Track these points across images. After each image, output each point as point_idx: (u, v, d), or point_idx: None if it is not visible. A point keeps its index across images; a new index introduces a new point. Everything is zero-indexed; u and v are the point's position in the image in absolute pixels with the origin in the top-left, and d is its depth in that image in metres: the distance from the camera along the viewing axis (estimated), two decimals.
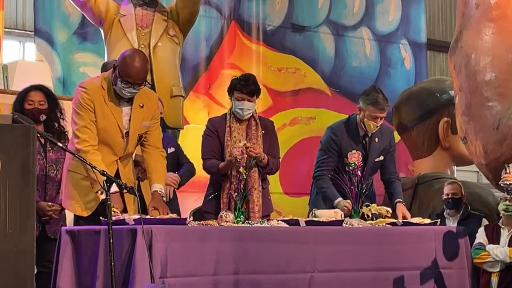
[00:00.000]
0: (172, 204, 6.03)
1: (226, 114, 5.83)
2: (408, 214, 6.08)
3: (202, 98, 8.88)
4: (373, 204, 5.90)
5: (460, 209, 6.82)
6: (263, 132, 5.78)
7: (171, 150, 6.34)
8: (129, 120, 5.14)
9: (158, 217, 4.87)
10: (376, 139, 6.25)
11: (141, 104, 5.17)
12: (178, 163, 6.34)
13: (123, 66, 5.00)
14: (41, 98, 5.76)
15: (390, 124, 9.35)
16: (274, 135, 5.90)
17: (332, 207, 5.96)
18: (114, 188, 4.77)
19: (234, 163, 5.47)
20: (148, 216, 4.85)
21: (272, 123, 5.99)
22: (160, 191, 5.13)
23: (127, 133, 5.14)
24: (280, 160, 5.96)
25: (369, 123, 6.11)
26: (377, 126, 6.14)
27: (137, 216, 4.70)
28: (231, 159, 5.49)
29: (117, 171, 5.11)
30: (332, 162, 6.20)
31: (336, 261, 5.16)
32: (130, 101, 5.14)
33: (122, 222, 4.64)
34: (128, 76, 4.98)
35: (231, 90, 5.76)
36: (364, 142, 6.24)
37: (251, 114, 5.74)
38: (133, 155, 5.41)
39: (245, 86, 5.70)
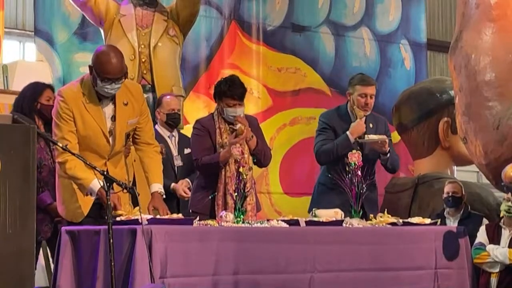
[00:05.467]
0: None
1: (212, 114, 5.74)
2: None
3: (202, 98, 8.87)
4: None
5: (460, 209, 6.80)
6: (250, 129, 5.73)
7: (188, 151, 6.31)
8: (113, 119, 5.05)
9: (166, 217, 4.87)
10: (371, 125, 6.32)
11: (124, 102, 5.07)
12: None
13: (99, 65, 4.89)
14: (53, 96, 5.71)
15: (390, 124, 9.40)
16: (260, 131, 5.88)
17: (347, 146, 6.06)
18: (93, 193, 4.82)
19: (234, 163, 5.44)
20: (158, 216, 4.85)
21: (256, 120, 5.96)
22: (160, 191, 5.11)
23: (112, 132, 5.05)
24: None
25: (359, 112, 6.24)
26: (367, 111, 6.21)
27: (150, 216, 4.70)
28: (229, 149, 5.43)
29: (107, 172, 5.05)
30: (331, 140, 6.27)
31: (336, 261, 5.16)
32: (113, 99, 5.04)
33: (136, 222, 4.60)
34: (107, 73, 4.87)
35: (219, 96, 5.64)
36: None
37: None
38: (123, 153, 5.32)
39: (235, 91, 5.59)
